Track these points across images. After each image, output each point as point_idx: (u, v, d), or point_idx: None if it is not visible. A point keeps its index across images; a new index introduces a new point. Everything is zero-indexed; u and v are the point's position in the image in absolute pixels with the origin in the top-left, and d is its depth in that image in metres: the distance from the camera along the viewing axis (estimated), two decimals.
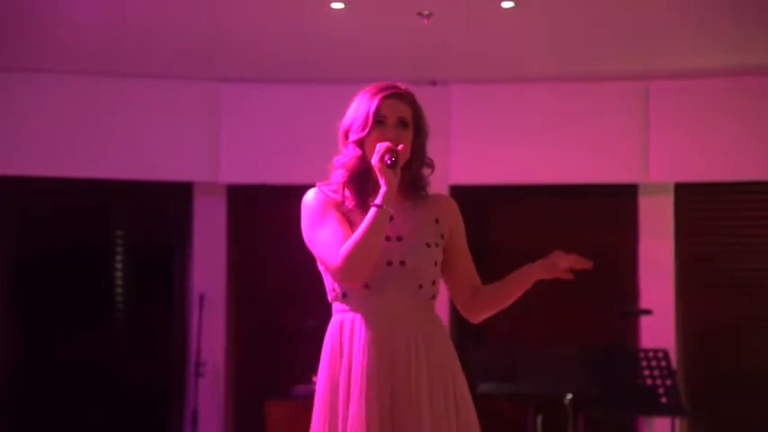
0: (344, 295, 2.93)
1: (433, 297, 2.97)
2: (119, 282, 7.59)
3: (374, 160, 2.87)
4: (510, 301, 3.02)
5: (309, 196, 3.00)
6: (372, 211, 2.84)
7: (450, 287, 3.07)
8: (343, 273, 2.86)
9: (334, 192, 2.98)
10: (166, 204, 7.65)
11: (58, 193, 7.38)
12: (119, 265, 7.60)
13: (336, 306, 2.97)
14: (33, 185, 7.28)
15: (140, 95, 7.36)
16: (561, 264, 2.92)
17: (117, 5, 5.88)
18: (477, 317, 3.06)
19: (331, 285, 2.98)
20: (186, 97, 7.43)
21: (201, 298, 7.38)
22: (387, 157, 2.85)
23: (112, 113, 7.32)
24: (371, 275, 2.88)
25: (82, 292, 7.48)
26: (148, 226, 7.70)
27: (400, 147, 2.89)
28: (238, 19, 6.12)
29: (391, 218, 2.90)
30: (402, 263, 2.90)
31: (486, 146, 7.40)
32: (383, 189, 2.84)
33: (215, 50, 6.80)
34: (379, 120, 2.94)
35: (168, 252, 7.66)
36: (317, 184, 3.03)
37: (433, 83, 7.01)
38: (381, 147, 2.87)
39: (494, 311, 3.05)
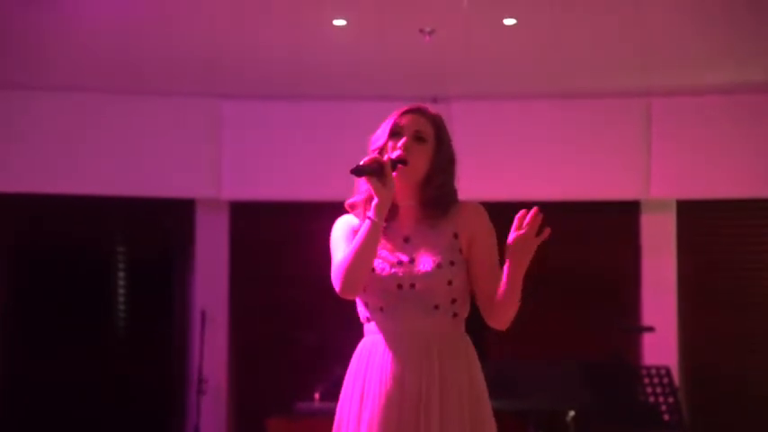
0: (368, 319, 2.95)
1: (455, 315, 2.92)
2: (121, 298, 7.59)
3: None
4: (512, 292, 2.82)
5: (335, 225, 3.01)
6: (366, 223, 2.84)
7: (476, 297, 2.95)
8: (336, 285, 2.87)
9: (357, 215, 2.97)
10: (169, 221, 7.66)
11: (60, 209, 7.38)
12: (121, 282, 7.60)
13: (365, 328, 2.98)
14: (35, 202, 7.29)
15: (142, 112, 7.37)
16: (521, 236, 2.85)
17: (118, 23, 5.89)
18: (495, 321, 2.92)
19: (359, 308, 2.99)
20: (188, 114, 7.44)
21: (203, 314, 7.37)
22: (362, 164, 2.81)
23: (115, 130, 7.33)
24: (385, 300, 2.89)
25: (84, 309, 7.48)
26: (151, 242, 7.70)
27: (386, 157, 2.88)
28: (240, 36, 6.13)
29: (407, 239, 2.92)
30: (412, 285, 2.88)
31: (487, 163, 7.38)
32: (374, 201, 2.84)
33: (217, 67, 6.82)
34: (395, 131, 2.93)
35: (170, 268, 7.67)
36: (347, 203, 3.00)
37: (435, 100, 7.00)
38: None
39: (506, 311, 2.87)
